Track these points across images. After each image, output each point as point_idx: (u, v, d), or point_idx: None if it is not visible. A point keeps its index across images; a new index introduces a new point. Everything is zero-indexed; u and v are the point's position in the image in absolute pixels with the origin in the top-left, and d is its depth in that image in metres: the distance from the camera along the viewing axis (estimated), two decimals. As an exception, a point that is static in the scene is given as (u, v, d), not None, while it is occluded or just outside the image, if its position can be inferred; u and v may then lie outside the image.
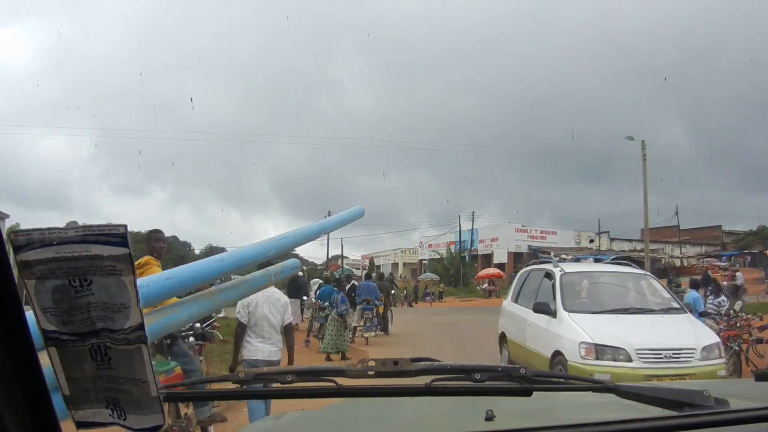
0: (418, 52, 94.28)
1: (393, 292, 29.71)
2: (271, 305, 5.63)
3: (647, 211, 26.92)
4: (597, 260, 47.98)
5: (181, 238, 65.78)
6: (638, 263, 44.86)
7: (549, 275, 8.41)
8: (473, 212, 49.90)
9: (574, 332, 6.87)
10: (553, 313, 7.49)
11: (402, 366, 1.12)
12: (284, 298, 6.05)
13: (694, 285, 12.51)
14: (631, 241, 54.19)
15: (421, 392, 1.16)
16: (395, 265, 59.52)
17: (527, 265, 10.57)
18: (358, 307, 15.46)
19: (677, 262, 47.90)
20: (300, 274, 17.92)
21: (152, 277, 1.35)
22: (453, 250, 49.02)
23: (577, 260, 44.08)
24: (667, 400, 1.18)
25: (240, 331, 5.67)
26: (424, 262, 53.18)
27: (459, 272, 45.28)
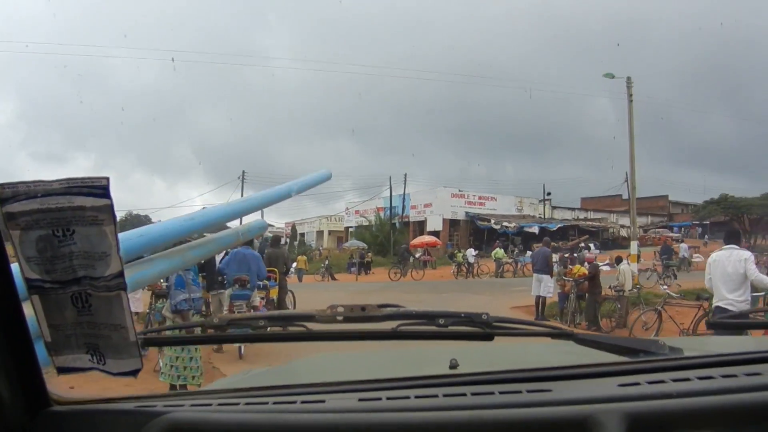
0: (345, 22, 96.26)
1: (294, 265, 27.22)
2: None
3: (633, 165, 23.69)
4: (543, 229, 48.46)
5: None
6: (587, 233, 44.67)
7: None
8: (405, 174, 49.84)
9: None
10: None
11: (369, 311, 1.31)
12: None
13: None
14: (573, 209, 56.34)
15: (387, 336, 1.33)
16: (320, 233, 59.58)
17: None
18: (226, 292, 10.33)
19: (622, 231, 50.00)
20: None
21: (124, 234, 1.49)
22: (382, 216, 48.93)
23: (521, 228, 45.39)
24: (623, 347, 1.39)
25: None
26: (350, 229, 53.14)
27: (389, 240, 45.28)
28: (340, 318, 1.32)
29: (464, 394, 1.13)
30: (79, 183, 0.93)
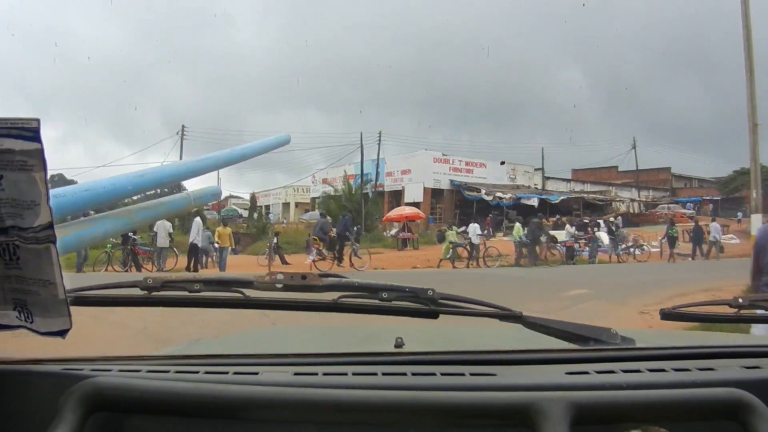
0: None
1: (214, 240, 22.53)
2: None
3: (753, 95, 16.95)
4: (543, 201, 48.58)
5: (69, 176, 73.89)
6: (593, 207, 44.56)
7: None
8: (380, 132, 47.46)
9: None
10: None
11: (310, 280, 1.41)
12: None
13: None
14: (567, 181, 56.52)
15: (327, 308, 1.43)
16: (286, 204, 59.83)
17: None
18: None
19: (622, 207, 49.98)
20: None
21: (68, 188, 1.63)
22: (353, 185, 46.13)
23: (518, 200, 45.05)
24: (573, 334, 1.50)
25: None
26: (317, 200, 51.51)
27: (360, 212, 42.30)
28: (279, 286, 1.40)
29: (404, 374, 1.20)
30: (8, 124, 0.96)
